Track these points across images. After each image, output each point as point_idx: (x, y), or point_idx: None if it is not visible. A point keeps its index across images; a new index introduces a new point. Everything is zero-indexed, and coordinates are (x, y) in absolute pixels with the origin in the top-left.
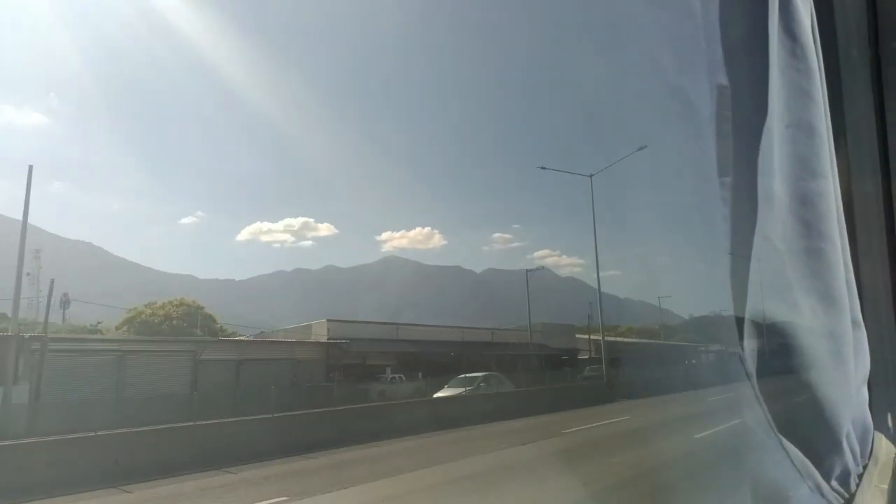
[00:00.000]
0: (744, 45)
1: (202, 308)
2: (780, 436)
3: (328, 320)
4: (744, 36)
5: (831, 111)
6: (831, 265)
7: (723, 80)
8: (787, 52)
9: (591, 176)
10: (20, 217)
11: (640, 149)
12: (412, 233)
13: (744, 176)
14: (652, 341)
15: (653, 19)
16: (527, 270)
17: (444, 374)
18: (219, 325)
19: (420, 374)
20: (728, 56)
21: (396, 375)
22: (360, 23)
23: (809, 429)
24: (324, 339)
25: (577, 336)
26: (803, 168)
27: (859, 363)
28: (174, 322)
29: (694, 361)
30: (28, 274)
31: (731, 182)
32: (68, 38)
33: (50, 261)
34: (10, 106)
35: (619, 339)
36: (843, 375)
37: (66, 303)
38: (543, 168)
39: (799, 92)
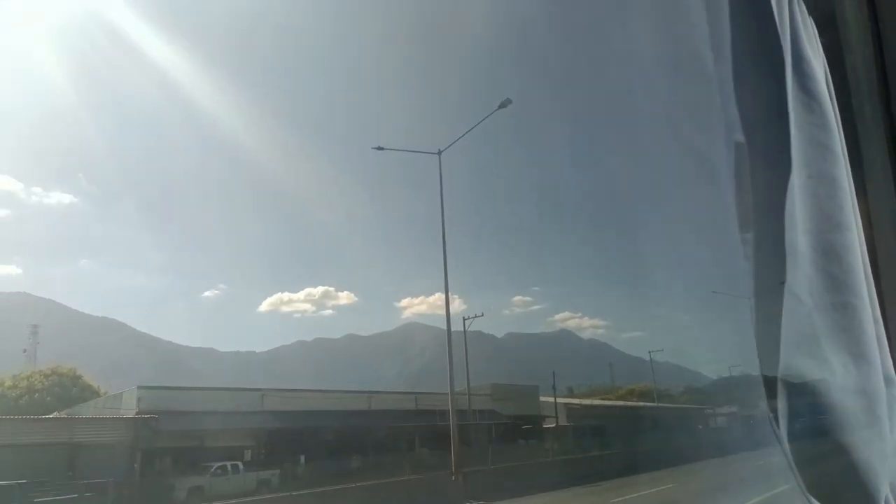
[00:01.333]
0: (759, 103)
1: (80, 377)
2: (813, 501)
3: (139, 387)
4: (759, 94)
5: (851, 163)
6: (861, 319)
7: (740, 137)
8: (803, 108)
9: (439, 153)
10: (46, 295)
11: (502, 105)
12: (432, 298)
13: (766, 231)
14: (646, 404)
15: (668, 83)
16: (464, 318)
17: (338, 455)
18: (104, 394)
19: (303, 458)
20: (744, 114)
21: (228, 463)
22: (371, 86)
23: (845, 494)
24: (132, 413)
25: (543, 400)
26: (826, 221)
27: (895, 422)
28: (36, 395)
29: (700, 426)
30: (25, 351)
31: (754, 237)
32: (95, 119)
33: (72, 337)
34: (40, 188)
35: (603, 402)
36: (877, 435)
37: None
38: (380, 148)
39: (817, 146)
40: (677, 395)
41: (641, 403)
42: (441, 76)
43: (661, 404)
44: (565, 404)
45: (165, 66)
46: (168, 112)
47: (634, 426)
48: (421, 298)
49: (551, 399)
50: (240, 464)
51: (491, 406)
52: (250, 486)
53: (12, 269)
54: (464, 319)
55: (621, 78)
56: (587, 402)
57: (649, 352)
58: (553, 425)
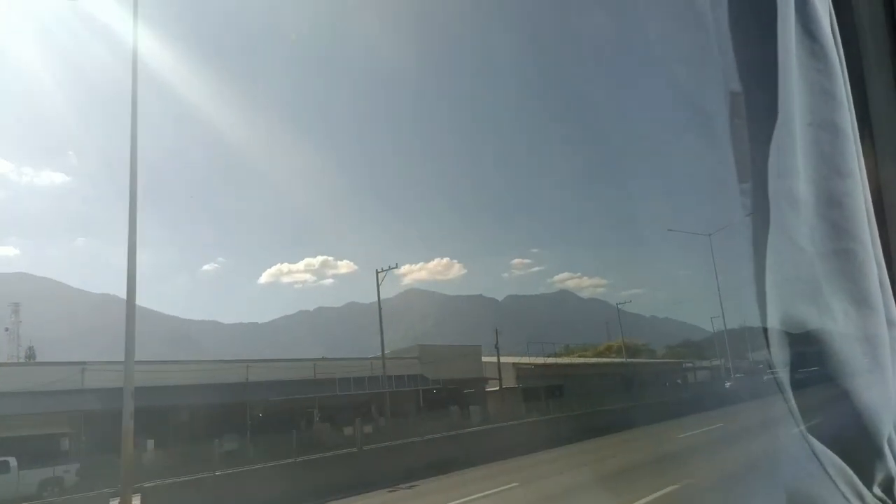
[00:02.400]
0: (756, 50)
1: None
2: (816, 445)
3: None
4: (756, 41)
5: (856, 109)
6: (862, 266)
7: (736, 86)
8: (806, 53)
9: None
10: (44, 274)
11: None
12: (431, 264)
13: (765, 180)
14: (614, 360)
15: (664, 31)
16: (377, 271)
17: (203, 438)
18: None
19: (151, 444)
20: (743, 60)
21: None
22: (371, 53)
23: (848, 436)
24: None
25: (488, 360)
26: (829, 168)
27: None
28: None
29: (679, 381)
30: (7, 329)
31: (752, 187)
32: (85, 96)
33: (76, 314)
34: (30, 168)
35: (561, 361)
36: (880, 378)
37: (31, 356)
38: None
39: (821, 91)
40: (658, 350)
41: (607, 360)
42: (437, 22)
43: (633, 360)
44: (514, 364)
45: (153, 44)
46: (160, 87)
47: (600, 385)
48: (420, 265)
49: (505, 359)
50: (10, 460)
51: (419, 370)
52: (27, 489)
53: (10, 250)
54: (377, 272)
55: (614, 24)
56: (541, 361)
57: (617, 304)
58: (496, 389)
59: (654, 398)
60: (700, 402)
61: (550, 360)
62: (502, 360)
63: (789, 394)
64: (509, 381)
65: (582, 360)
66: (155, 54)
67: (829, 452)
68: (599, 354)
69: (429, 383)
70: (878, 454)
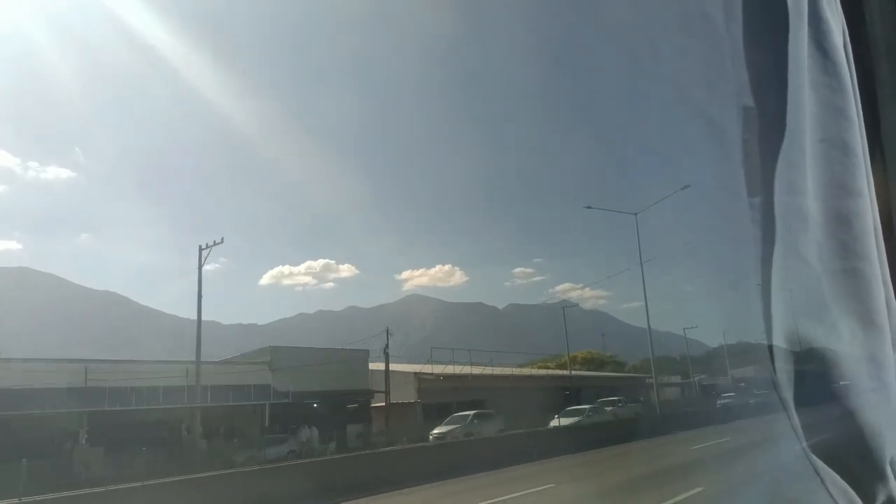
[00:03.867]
0: (771, 63)
1: None
2: (819, 465)
3: None
4: (769, 56)
5: (867, 129)
6: (870, 285)
7: (749, 100)
8: (818, 70)
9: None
10: (47, 269)
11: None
12: (433, 270)
13: (775, 196)
14: (555, 373)
15: (676, 44)
16: (200, 247)
17: None
18: None
19: None
20: (754, 75)
21: None
22: (375, 62)
23: (850, 457)
24: None
25: (374, 368)
26: (838, 186)
27: None
28: None
29: (633, 402)
30: None
31: (761, 202)
32: (93, 94)
33: (76, 312)
34: (36, 162)
35: (487, 372)
36: (885, 400)
37: None
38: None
39: (832, 110)
40: (630, 363)
41: (545, 372)
42: (435, 24)
43: (580, 373)
44: (416, 374)
45: (161, 42)
46: (166, 88)
47: (535, 401)
48: (422, 270)
49: (400, 368)
50: None
51: (270, 380)
52: None
53: (13, 245)
54: (200, 249)
55: (624, 37)
56: (457, 371)
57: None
58: (382, 404)
59: (597, 418)
60: (652, 425)
61: (472, 369)
62: (404, 368)
63: (792, 411)
64: (408, 395)
65: (511, 371)
66: (166, 52)
67: (831, 471)
68: (560, 367)
69: (277, 396)
70: (880, 476)
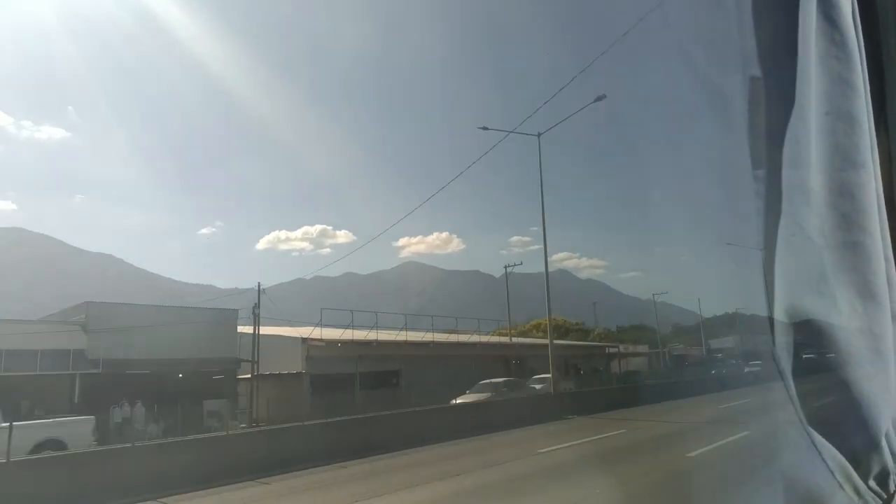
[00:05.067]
0: (778, 37)
1: None
2: (815, 435)
3: None
4: (778, 27)
5: (873, 101)
6: (871, 259)
7: (756, 72)
8: (826, 41)
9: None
10: (43, 231)
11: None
12: (430, 238)
13: (779, 168)
14: (490, 341)
15: (684, 12)
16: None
17: None
18: None
19: None
20: (761, 48)
21: None
22: (375, 28)
23: (846, 428)
24: None
25: (242, 331)
26: (842, 158)
27: None
28: None
29: (600, 369)
30: None
31: (765, 174)
32: (84, 53)
33: (71, 273)
34: (30, 121)
35: (406, 338)
36: (882, 373)
37: None
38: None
39: (838, 81)
40: (596, 331)
41: (491, 339)
42: (434, 9)
43: (532, 340)
44: (306, 340)
45: (159, 4)
46: (164, 48)
47: (467, 373)
48: (419, 238)
49: (285, 332)
50: None
51: (84, 344)
52: None
53: (8, 205)
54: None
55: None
56: (362, 337)
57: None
58: (248, 376)
59: (515, 394)
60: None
61: (380, 335)
62: (290, 332)
63: (790, 382)
64: (297, 364)
65: (433, 337)
66: (160, 10)
67: (828, 444)
68: (523, 334)
69: (90, 365)
70: (875, 448)
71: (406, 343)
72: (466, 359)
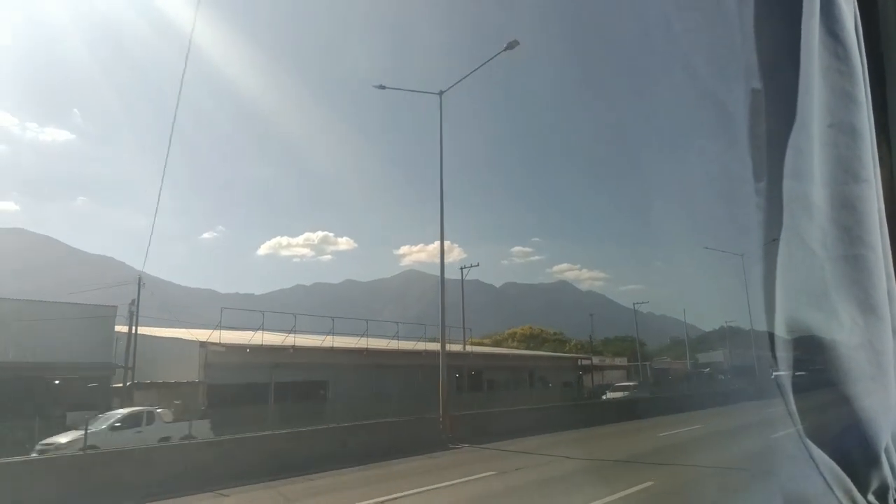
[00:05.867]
0: (781, 50)
1: None
2: (814, 449)
3: None
4: (781, 41)
5: (875, 114)
6: (872, 273)
7: (758, 84)
8: (829, 54)
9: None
10: (43, 231)
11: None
12: (431, 246)
13: (781, 180)
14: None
15: (687, 24)
16: None
17: None
18: None
19: None
20: (764, 61)
21: None
22: (381, 35)
23: (845, 443)
24: None
25: (118, 330)
26: (844, 172)
27: None
28: None
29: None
30: None
31: (767, 187)
32: (92, 55)
33: (71, 275)
34: (35, 123)
35: (339, 345)
36: (882, 387)
37: None
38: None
39: (841, 94)
40: (572, 342)
41: (416, 349)
42: (445, 12)
43: (488, 349)
44: (204, 344)
45: (166, 4)
46: (170, 52)
47: (414, 384)
48: (420, 246)
49: (179, 334)
50: None
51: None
52: None
53: (10, 206)
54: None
55: (635, 16)
56: (275, 342)
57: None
58: (122, 384)
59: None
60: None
61: (305, 340)
62: (186, 335)
63: (790, 396)
64: (191, 373)
65: (367, 344)
66: (168, 12)
67: (826, 457)
68: (497, 343)
69: None
70: (874, 462)
71: (334, 350)
72: (412, 369)
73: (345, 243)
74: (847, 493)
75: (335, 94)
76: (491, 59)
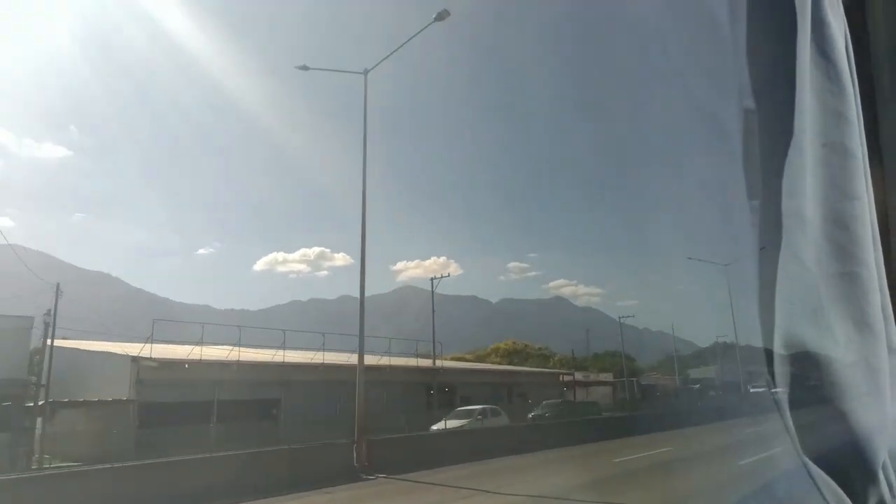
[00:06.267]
0: (774, 70)
1: None
2: (811, 466)
3: None
4: (774, 61)
5: (867, 133)
6: (866, 290)
7: (751, 103)
8: (820, 74)
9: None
10: (39, 248)
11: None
12: (427, 262)
13: (774, 199)
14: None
15: (681, 43)
16: None
17: None
18: None
19: None
20: (757, 78)
21: None
22: (376, 49)
23: (843, 459)
24: None
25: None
26: (837, 190)
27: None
28: None
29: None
30: None
31: (761, 205)
32: (89, 70)
33: (66, 291)
34: (31, 139)
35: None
36: (878, 403)
37: None
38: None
39: (833, 113)
40: (556, 357)
41: (404, 363)
42: (446, 30)
43: (462, 365)
44: (136, 359)
45: (161, 18)
46: (164, 67)
47: (381, 402)
48: (416, 262)
49: (109, 348)
50: None
51: None
52: None
53: (6, 221)
54: None
55: (630, 35)
56: (222, 356)
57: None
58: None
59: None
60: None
61: (242, 353)
62: (116, 349)
63: (786, 412)
64: (120, 390)
65: (323, 359)
66: (165, 27)
67: (823, 474)
68: (480, 359)
69: None
70: (871, 479)
71: (286, 366)
72: (374, 385)
73: (341, 259)
74: None
75: (332, 107)
76: (421, 31)
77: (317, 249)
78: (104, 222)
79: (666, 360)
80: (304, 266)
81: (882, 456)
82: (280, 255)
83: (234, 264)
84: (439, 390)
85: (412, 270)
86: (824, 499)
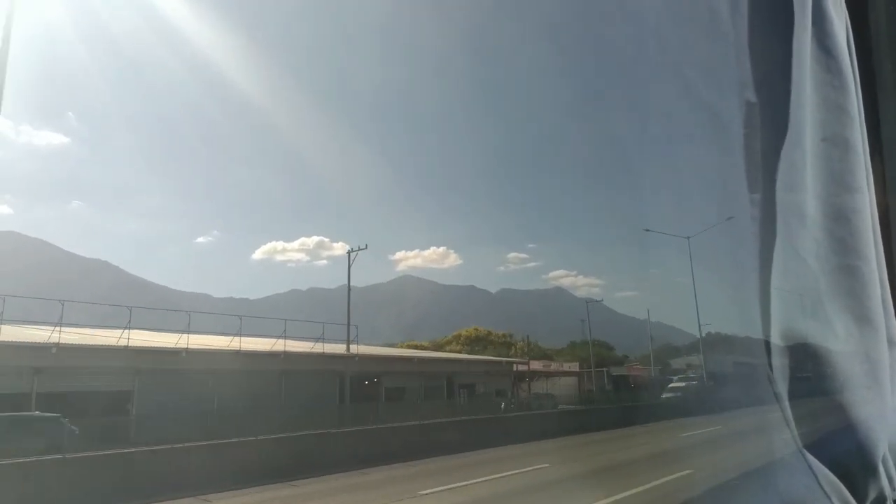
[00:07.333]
0: (774, 64)
1: None
2: (811, 459)
3: None
4: (774, 55)
5: (867, 127)
6: (866, 283)
7: (751, 96)
8: (821, 68)
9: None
10: (37, 235)
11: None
12: (427, 252)
13: (775, 192)
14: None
15: (682, 36)
16: None
17: None
18: None
19: None
20: (758, 71)
21: None
22: (376, 40)
23: (842, 451)
24: None
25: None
26: (838, 184)
27: (895, 384)
28: None
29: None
30: None
31: (762, 199)
32: (87, 57)
33: (65, 278)
34: (29, 126)
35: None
36: (878, 397)
37: None
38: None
39: (834, 107)
40: (519, 344)
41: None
42: (441, 19)
43: (382, 351)
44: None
45: (161, 6)
46: (166, 53)
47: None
48: (416, 252)
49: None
50: None
51: None
52: None
53: (3, 209)
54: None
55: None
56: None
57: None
58: None
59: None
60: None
61: (100, 334)
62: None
63: (786, 405)
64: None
65: (188, 343)
66: (164, 13)
67: (824, 467)
68: (439, 347)
69: None
70: (872, 472)
71: (138, 351)
72: (269, 375)
73: (340, 248)
74: (845, 502)
75: (331, 97)
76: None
77: (316, 238)
78: (102, 210)
79: (661, 351)
80: (303, 255)
81: (882, 449)
82: (279, 245)
83: (233, 253)
84: (358, 382)
85: (412, 260)
86: (824, 492)
